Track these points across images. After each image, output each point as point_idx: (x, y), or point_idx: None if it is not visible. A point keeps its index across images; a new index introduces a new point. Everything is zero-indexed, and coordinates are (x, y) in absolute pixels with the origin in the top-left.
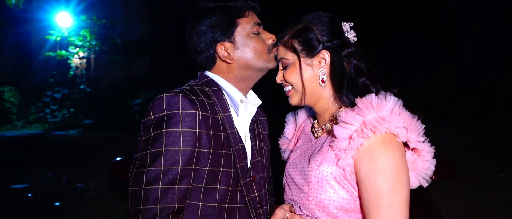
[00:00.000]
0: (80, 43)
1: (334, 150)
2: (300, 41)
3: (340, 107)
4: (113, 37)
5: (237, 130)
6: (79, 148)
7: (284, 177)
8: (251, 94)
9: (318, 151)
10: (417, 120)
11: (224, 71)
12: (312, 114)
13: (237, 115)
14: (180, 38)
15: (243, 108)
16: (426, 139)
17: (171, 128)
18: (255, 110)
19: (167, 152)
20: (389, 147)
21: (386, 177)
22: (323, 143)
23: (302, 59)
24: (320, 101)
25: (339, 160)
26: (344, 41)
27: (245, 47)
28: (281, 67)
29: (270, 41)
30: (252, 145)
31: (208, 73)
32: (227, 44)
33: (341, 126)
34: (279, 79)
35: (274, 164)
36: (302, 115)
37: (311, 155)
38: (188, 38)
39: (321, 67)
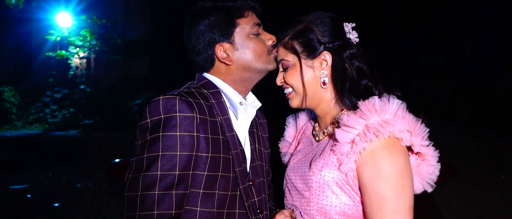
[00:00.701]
0: (80, 43)
1: (336, 154)
2: (301, 42)
3: (342, 110)
4: (113, 37)
5: (236, 133)
6: (79, 148)
7: (285, 182)
8: (251, 96)
9: (320, 155)
10: (421, 123)
11: (223, 73)
12: (313, 117)
13: (236, 118)
14: (180, 38)
15: (242, 111)
16: (430, 143)
17: (168, 131)
18: (255, 113)
19: (164, 156)
20: (392, 151)
21: (390, 183)
22: (325, 147)
23: (303, 60)
24: (321, 104)
25: (341, 164)
26: (346, 42)
27: (245, 48)
28: (281, 69)
29: (270, 42)
30: (251, 149)
31: (206, 75)
32: (226, 45)
33: (343, 129)
34: (279, 81)
35: (274, 167)
36: (302, 118)
37: (312, 159)
38: (186, 39)
39: (322, 69)
